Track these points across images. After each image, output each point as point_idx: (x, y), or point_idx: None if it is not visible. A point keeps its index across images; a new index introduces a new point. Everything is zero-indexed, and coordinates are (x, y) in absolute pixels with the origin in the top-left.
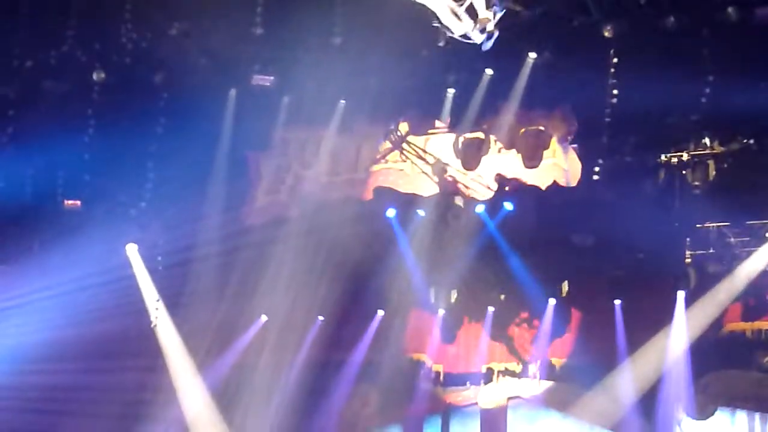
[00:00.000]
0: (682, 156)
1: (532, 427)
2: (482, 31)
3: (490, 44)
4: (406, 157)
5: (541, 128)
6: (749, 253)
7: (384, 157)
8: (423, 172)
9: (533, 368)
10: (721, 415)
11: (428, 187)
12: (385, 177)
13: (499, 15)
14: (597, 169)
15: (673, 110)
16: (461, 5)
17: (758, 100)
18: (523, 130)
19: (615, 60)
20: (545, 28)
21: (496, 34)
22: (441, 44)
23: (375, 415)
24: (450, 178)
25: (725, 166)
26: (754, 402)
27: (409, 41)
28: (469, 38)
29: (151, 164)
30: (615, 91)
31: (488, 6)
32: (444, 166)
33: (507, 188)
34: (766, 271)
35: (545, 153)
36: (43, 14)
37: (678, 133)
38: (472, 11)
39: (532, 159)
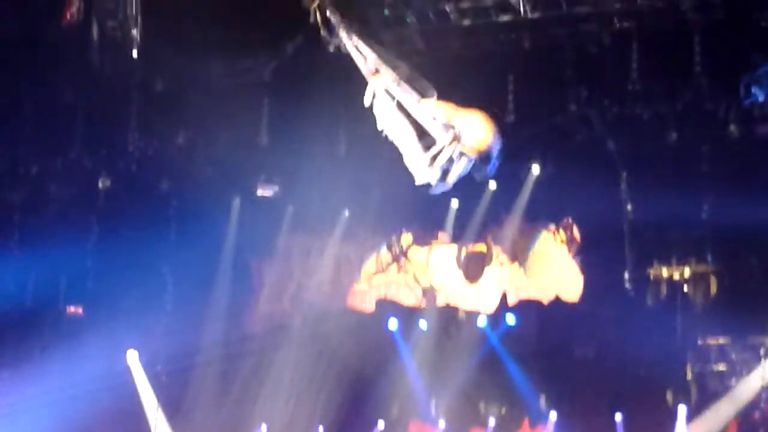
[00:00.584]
0: (684, 271)
1: None
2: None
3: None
4: (406, 269)
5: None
6: (750, 370)
7: (386, 269)
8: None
9: None
10: None
11: (434, 299)
12: (386, 288)
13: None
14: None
15: (675, 225)
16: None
17: (759, 216)
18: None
19: (624, 174)
20: (549, 142)
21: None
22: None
23: None
24: (443, 304)
25: (726, 282)
26: None
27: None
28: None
29: (155, 270)
30: (628, 206)
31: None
32: (434, 293)
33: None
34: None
35: (548, 267)
36: (50, 120)
37: (680, 248)
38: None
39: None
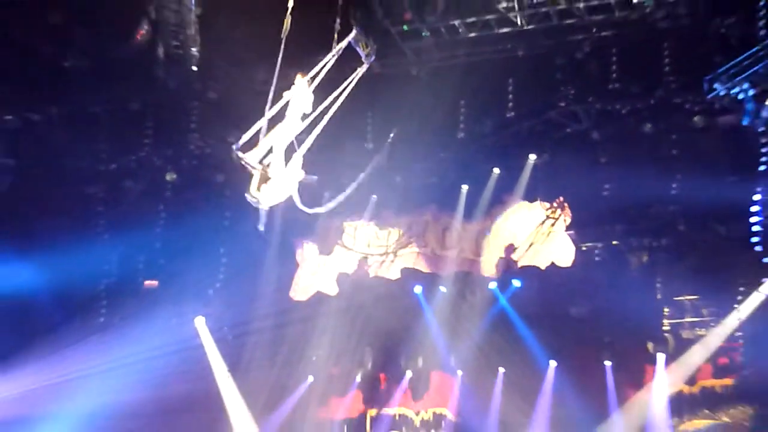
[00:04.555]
0: (662, 241)
1: None
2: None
3: None
4: (426, 243)
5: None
6: (718, 321)
7: (407, 244)
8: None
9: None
10: None
11: (447, 267)
12: (410, 259)
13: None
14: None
15: (651, 201)
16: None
17: (722, 191)
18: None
19: (603, 160)
20: (544, 134)
21: None
22: None
23: None
24: (457, 270)
25: (698, 249)
26: None
27: (429, 145)
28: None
29: (215, 250)
30: (606, 186)
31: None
32: (449, 261)
33: (514, 268)
34: (733, 336)
35: (545, 238)
36: (124, 125)
37: (656, 220)
38: None
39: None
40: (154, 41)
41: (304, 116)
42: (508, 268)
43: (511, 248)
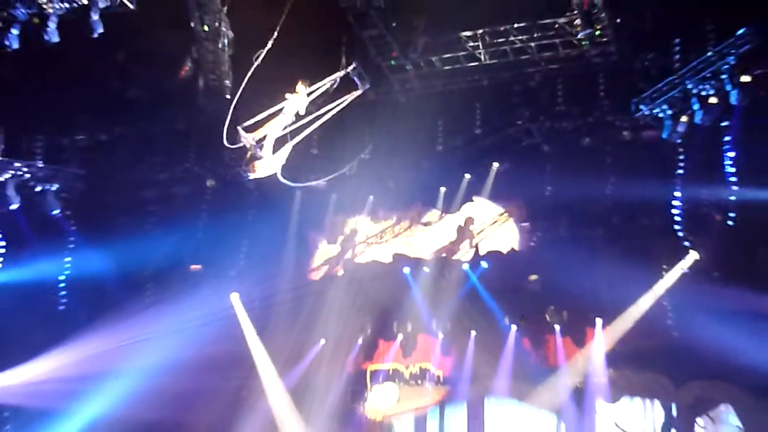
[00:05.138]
0: (598, 230)
1: (500, 409)
2: None
3: None
4: (412, 233)
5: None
6: (642, 294)
7: (398, 234)
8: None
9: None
10: (625, 400)
11: (429, 253)
12: (399, 246)
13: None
14: (535, 239)
15: (590, 199)
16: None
17: (647, 191)
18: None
19: (550, 167)
20: (504, 147)
21: None
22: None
23: (397, 405)
24: (438, 255)
25: (628, 237)
26: (645, 392)
27: (414, 156)
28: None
29: (246, 241)
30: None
31: None
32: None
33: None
34: (656, 305)
35: (506, 229)
36: (173, 143)
37: (594, 213)
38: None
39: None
40: (196, 76)
41: (298, 115)
42: (476, 253)
43: (478, 237)
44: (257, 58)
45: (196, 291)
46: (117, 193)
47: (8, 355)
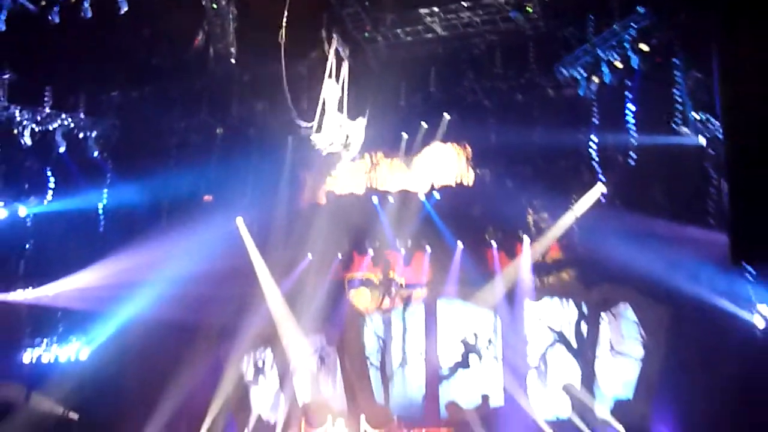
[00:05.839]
0: (527, 169)
1: (450, 308)
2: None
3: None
4: (379, 171)
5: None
6: (562, 216)
7: (370, 171)
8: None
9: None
10: (546, 299)
11: (396, 186)
12: (370, 181)
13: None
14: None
15: (515, 144)
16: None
17: (564, 136)
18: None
19: (492, 120)
20: (454, 102)
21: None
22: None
23: (369, 305)
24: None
25: (550, 174)
26: (562, 293)
27: (383, 110)
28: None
29: (248, 177)
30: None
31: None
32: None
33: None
34: (571, 226)
35: (455, 167)
36: (189, 99)
37: (522, 155)
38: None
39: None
40: (207, 45)
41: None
42: (431, 186)
43: (433, 173)
44: (281, 38)
45: (209, 217)
46: (145, 139)
47: (59, 268)
